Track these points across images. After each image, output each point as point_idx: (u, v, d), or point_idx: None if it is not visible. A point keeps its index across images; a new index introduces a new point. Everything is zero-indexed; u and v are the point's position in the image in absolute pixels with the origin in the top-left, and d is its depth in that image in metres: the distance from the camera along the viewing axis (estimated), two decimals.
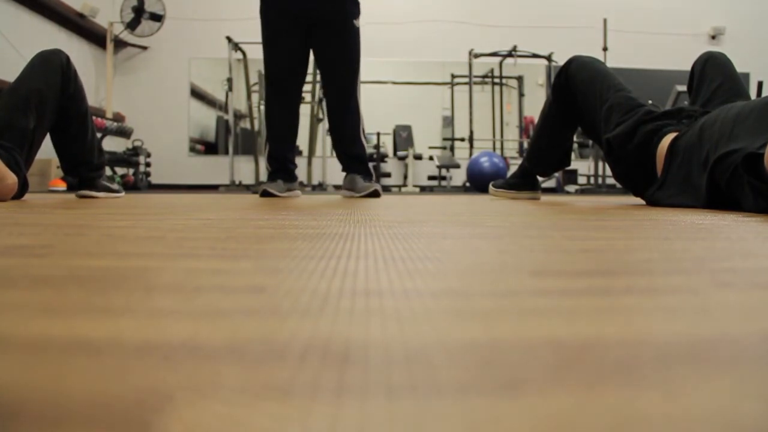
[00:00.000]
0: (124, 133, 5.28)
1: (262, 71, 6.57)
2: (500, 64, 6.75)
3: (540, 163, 2.12)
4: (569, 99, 1.89)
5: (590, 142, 5.48)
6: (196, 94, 7.06)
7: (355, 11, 2.44)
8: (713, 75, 1.76)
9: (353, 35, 2.43)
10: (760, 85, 4.33)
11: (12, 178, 1.58)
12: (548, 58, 6.37)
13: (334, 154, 2.57)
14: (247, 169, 6.70)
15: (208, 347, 0.20)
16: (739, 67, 1.84)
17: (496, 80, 6.98)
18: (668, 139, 1.58)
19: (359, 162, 2.50)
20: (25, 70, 1.81)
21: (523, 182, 2.19)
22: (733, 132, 1.32)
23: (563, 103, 1.92)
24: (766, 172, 1.14)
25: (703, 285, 0.33)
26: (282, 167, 2.45)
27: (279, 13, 2.37)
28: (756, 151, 1.19)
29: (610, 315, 0.25)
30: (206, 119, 7.22)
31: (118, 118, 6.02)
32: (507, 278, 0.34)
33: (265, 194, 2.35)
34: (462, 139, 6.64)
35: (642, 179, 1.68)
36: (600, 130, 1.77)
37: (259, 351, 0.19)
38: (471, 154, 5.96)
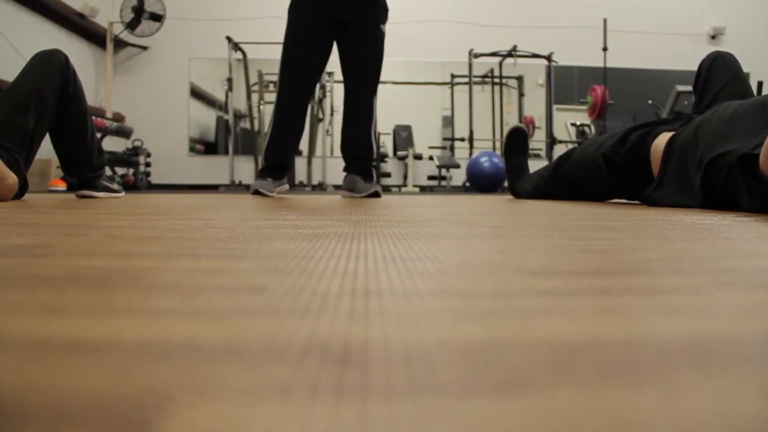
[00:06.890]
0: (124, 133, 5.27)
1: (262, 71, 6.47)
2: (500, 64, 6.74)
3: (519, 184, 2.34)
4: (565, 180, 2.01)
5: None
6: (196, 94, 7.05)
7: (384, 16, 2.48)
8: (720, 75, 1.76)
9: (379, 39, 2.47)
10: (760, 85, 4.33)
11: (12, 178, 1.58)
12: (548, 58, 6.36)
13: (335, 154, 2.57)
14: (247, 169, 6.69)
15: (208, 347, 0.20)
16: None
17: (496, 80, 6.97)
18: (664, 138, 1.59)
19: (363, 163, 2.50)
20: (24, 70, 1.80)
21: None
22: (727, 132, 1.32)
23: (561, 179, 2.04)
24: (761, 172, 1.14)
25: (703, 285, 0.33)
26: (277, 164, 2.47)
27: (308, 14, 2.39)
28: (751, 152, 1.19)
29: (610, 315, 0.25)
30: (206, 119, 7.21)
31: (118, 118, 6.02)
32: (507, 278, 0.34)
33: (256, 193, 2.37)
34: (462, 139, 6.63)
35: (638, 181, 1.68)
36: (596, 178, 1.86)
37: (259, 351, 0.19)
38: (471, 154, 5.96)
